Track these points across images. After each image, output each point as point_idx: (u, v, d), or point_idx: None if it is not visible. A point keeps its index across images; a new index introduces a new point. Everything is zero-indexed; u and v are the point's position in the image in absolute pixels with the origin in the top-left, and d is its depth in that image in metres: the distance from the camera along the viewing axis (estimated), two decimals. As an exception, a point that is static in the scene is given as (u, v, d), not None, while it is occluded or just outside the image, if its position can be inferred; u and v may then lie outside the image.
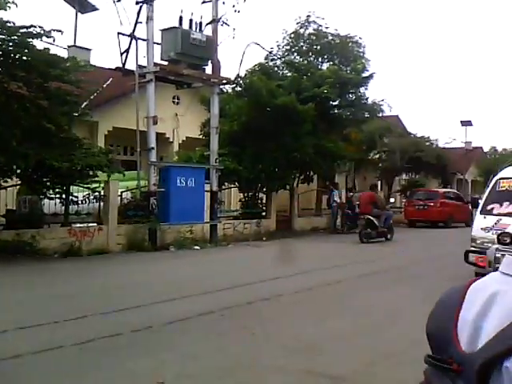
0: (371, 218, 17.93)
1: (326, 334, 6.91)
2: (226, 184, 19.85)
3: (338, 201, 22.78)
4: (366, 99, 23.80)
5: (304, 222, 22.45)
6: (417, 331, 7.10)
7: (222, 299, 8.72)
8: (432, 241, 19.99)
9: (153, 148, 15.23)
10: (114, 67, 16.49)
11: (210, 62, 16.85)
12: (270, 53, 24.27)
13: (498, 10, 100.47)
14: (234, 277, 10.76)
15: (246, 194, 20.32)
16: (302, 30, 25.70)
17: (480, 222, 9.82)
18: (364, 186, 31.56)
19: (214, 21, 16.83)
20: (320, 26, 25.50)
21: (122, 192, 15.29)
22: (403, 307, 8.71)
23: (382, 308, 8.59)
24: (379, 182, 32.63)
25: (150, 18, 15.18)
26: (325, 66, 24.91)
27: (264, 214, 20.24)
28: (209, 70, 17.04)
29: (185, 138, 22.92)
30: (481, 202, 10.25)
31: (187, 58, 16.00)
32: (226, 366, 5.60)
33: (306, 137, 19.27)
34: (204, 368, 5.54)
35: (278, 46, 25.94)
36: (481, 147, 45.32)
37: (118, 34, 15.30)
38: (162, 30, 15.92)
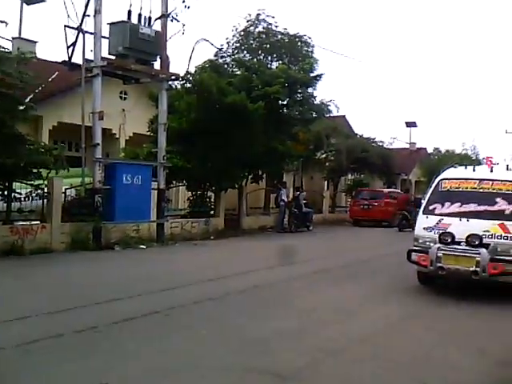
0: (406, 213, 24.07)
1: (271, 332, 6.95)
2: (174, 182, 19.64)
3: (286, 200, 22.97)
4: (314, 99, 24.05)
5: (252, 220, 22.49)
6: (361, 328, 7.29)
7: (167, 299, 8.65)
8: (377, 239, 20.40)
9: (98, 144, 14.90)
10: (60, 61, 16.04)
11: (158, 57, 16.62)
12: (220, 50, 24.25)
13: (441, 13, 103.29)
14: (180, 276, 10.69)
15: (194, 193, 20.17)
16: (251, 28, 25.76)
17: (422, 221, 10.06)
18: (311, 185, 31.92)
19: (164, 16, 16.62)
20: (270, 24, 25.65)
21: (66, 189, 14.89)
22: (349, 305, 8.85)
23: (327, 305, 8.71)
24: (325, 182, 33.06)
25: (97, 12, 14.84)
26: (274, 65, 25.06)
27: (212, 212, 20.16)
28: (157, 65, 16.82)
29: (132, 134, 22.56)
30: (423, 202, 10.51)
31: (135, 53, 15.73)
32: (170, 367, 5.56)
33: (255, 136, 19.29)
34: (148, 369, 5.48)
35: (227, 43, 25.95)
36: (425, 148, 46.41)
37: (65, 26, 14.88)
38: (110, 24, 15.59)
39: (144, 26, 15.90)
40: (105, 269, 11.89)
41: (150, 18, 16.23)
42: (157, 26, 16.49)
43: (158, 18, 16.58)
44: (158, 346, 6.23)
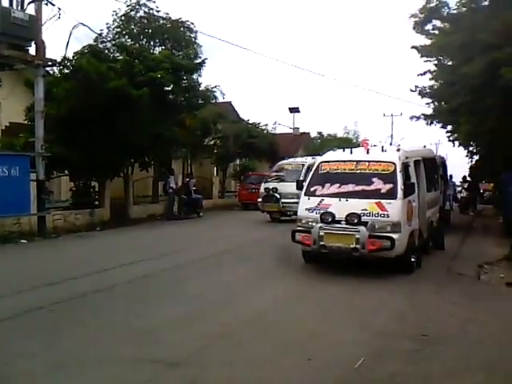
0: None
1: (161, 320, 6.96)
2: (55, 172, 18.83)
3: (175, 187, 22.81)
4: (200, 85, 23.99)
5: (140, 209, 22.12)
6: (249, 310, 7.46)
7: (52, 294, 8.35)
8: (263, 222, 20.80)
9: (-30, 135, 14.00)
10: None
11: (33, 42, 15.84)
12: (100, 35, 23.45)
13: (324, 3, 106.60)
14: (65, 270, 10.33)
15: (77, 183, 19.49)
16: (132, 13, 25.19)
17: (305, 203, 10.45)
18: (200, 171, 31.92)
19: (37, -1, 15.83)
20: (151, 9, 25.21)
21: None
22: (236, 288, 9.01)
23: (216, 290, 8.83)
24: (215, 168, 33.21)
25: (-37, -6, 13.88)
26: (157, 50, 24.68)
27: (97, 202, 19.59)
28: (33, 51, 16.02)
29: (8, 124, 21.26)
30: (305, 185, 10.89)
31: (8, 38, 14.92)
32: (59, 362, 5.44)
33: (140, 122, 18.90)
34: (36, 366, 5.35)
35: (108, 28, 25.20)
36: (308, 133, 47.90)
37: None
38: (-21, 8, 14.64)
39: (16, 9, 15.12)
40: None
41: (22, 1, 15.47)
42: (31, 9, 15.72)
43: (32, 1, 15.75)
44: (44, 342, 6.04)
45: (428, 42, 18.72)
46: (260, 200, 21.05)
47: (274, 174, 21.98)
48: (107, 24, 25.17)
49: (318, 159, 11.44)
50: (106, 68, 18.31)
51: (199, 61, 23.41)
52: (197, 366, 5.45)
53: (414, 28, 18.45)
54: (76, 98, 17.61)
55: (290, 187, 18.55)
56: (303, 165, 20.32)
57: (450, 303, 8.09)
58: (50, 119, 16.78)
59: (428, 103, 22.46)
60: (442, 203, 14.77)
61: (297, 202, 17.93)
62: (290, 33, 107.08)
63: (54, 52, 50.00)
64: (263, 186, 21.32)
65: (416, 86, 21.47)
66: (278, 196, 19.95)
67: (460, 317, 7.33)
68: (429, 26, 18.37)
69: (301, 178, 18.45)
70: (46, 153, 16.10)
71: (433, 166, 13.62)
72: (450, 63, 19.10)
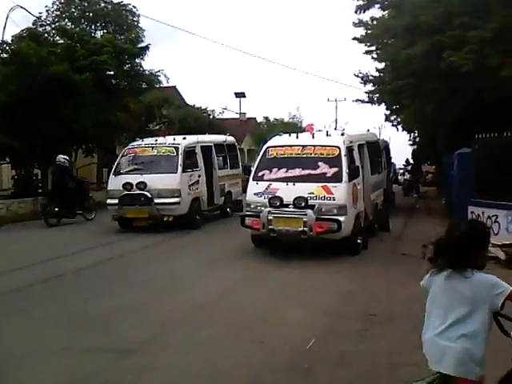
0: None
1: (111, 309, 6.88)
2: (-4, 161, 18.25)
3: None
4: (143, 70, 23.61)
5: (86, 197, 21.58)
6: (199, 296, 7.44)
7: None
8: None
9: None
10: None
11: (-33, 25, 15.21)
12: (39, 18, 22.71)
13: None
14: (9, 260, 10.09)
15: (19, 171, 18.91)
16: (72, -4, 24.55)
17: (253, 187, 10.50)
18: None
19: (-30, -21, 15.19)
20: (92, -9, 24.63)
21: None
22: (185, 275, 9.00)
23: (165, 277, 8.79)
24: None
25: None
26: (98, 34, 24.17)
27: (41, 191, 19.07)
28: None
29: None
30: (253, 170, 10.93)
31: None
32: (6, 355, 5.32)
33: (84, 108, 18.47)
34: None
35: (47, 11, 24.47)
36: (254, 118, 47.90)
37: None
38: None
39: None
40: None
41: (-46, -20, 14.75)
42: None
43: (-36, -19, 15.09)
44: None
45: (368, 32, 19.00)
46: (114, 202, 13.75)
47: (129, 161, 14.65)
48: (46, 7, 24.49)
49: (267, 144, 11.39)
50: (47, 52, 17.84)
51: (143, 45, 23.00)
52: (149, 353, 5.42)
53: (356, 12, 18.60)
54: (16, 83, 17.06)
55: (165, 181, 13.65)
56: (176, 148, 14.29)
57: (396, 283, 8.30)
58: (-11, 105, 16.19)
59: (371, 89, 22.72)
60: (386, 186, 15.10)
61: (179, 203, 13.40)
62: (235, 17, 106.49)
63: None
64: (114, 179, 14.30)
65: (360, 72, 21.71)
66: (150, 195, 13.44)
67: (406, 296, 7.53)
68: (367, 17, 18.66)
69: (179, 166, 13.75)
70: (-15, 140, 15.56)
71: (376, 150, 13.91)
72: (393, 45, 19.33)
